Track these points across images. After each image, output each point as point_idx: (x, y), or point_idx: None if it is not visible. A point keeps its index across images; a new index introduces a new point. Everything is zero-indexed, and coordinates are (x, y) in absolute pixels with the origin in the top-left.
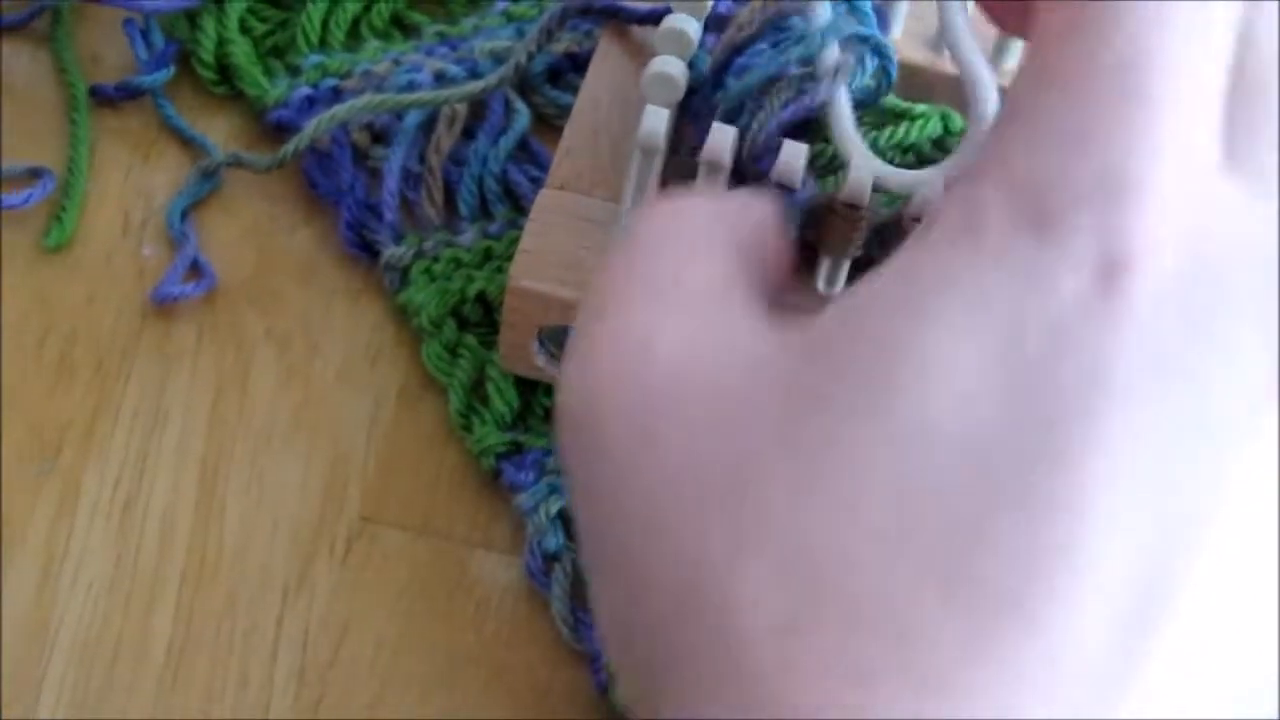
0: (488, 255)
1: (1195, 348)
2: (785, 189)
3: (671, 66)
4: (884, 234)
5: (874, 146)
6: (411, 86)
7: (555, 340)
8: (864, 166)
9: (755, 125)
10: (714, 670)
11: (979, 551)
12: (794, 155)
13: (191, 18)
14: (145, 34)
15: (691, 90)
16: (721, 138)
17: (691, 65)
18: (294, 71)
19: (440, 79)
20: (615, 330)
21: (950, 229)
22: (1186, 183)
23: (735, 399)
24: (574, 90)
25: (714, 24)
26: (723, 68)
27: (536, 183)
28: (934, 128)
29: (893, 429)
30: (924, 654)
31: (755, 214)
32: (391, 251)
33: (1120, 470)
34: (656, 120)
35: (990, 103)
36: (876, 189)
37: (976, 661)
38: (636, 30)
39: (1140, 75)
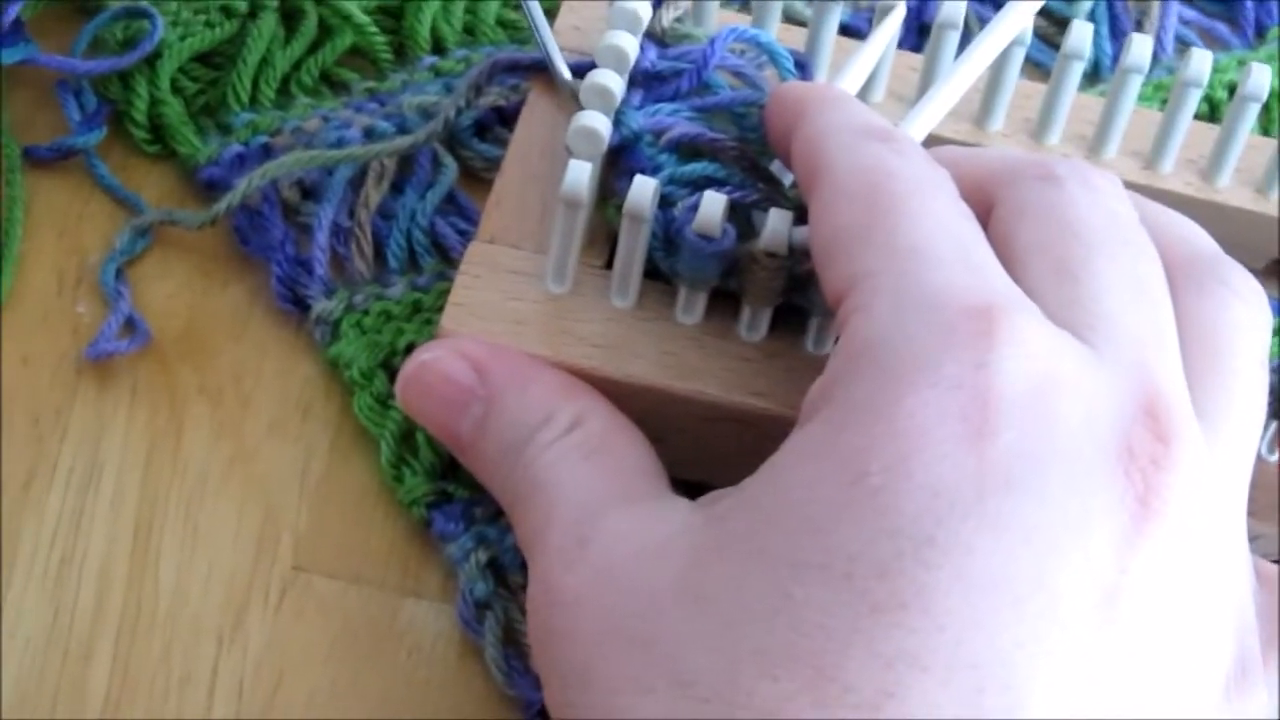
0: (416, 308)
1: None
2: (705, 239)
3: (595, 120)
4: (805, 282)
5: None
6: (341, 142)
7: None
8: (783, 215)
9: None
10: None
11: (847, 660)
12: (714, 205)
13: (124, 78)
14: (78, 95)
15: (622, 145)
16: (643, 190)
17: (618, 120)
18: (225, 130)
19: (369, 135)
20: (559, 539)
21: (808, 410)
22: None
23: (648, 568)
24: (501, 144)
25: (640, 79)
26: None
27: (464, 235)
28: None
29: (774, 565)
30: None
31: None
32: (322, 306)
33: (964, 583)
34: (579, 174)
35: None
36: (794, 246)
37: None
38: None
39: None
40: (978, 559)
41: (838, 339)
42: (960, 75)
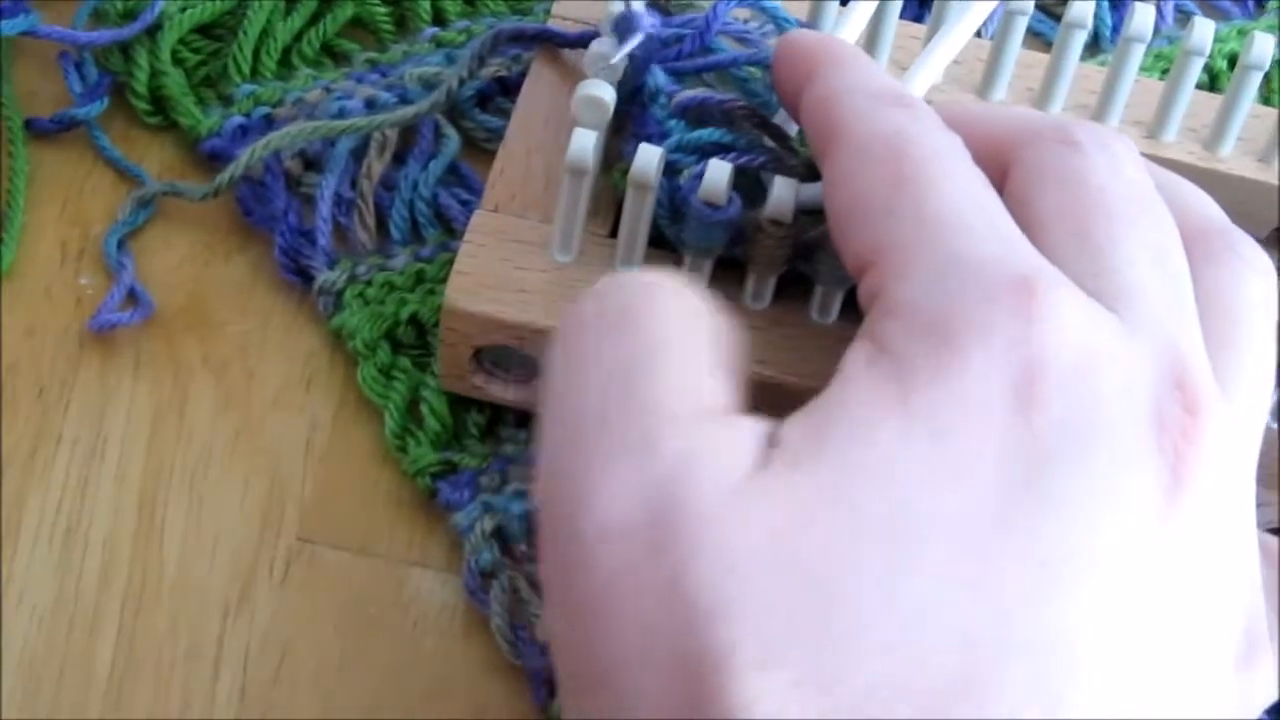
0: (420, 278)
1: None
2: (711, 207)
3: (599, 89)
4: (810, 249)
5: (800, 160)
6: (343, 114)
7: (492, 358)
8: (788, 183)
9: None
10: None
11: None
12: (719, 173)
13: (125, 50)
14: (80, 67)
15: (625, 113)
16: (648, 157)
17: (621, 88)
18: (227, 101)
19: (371, 106)
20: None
21: (857, 357)
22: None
23: (728, 524)
24: (503, 115)
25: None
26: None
27: (467, 206)
28: None
29: (881, 534)
30: None
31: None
32: (325, 277)
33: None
34: (584, 141)
35: None
36: (801, 205)
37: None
38: (567, 54)
39: None
40: (1029, 534)
41: (843, 306)
42: (956, 33)
